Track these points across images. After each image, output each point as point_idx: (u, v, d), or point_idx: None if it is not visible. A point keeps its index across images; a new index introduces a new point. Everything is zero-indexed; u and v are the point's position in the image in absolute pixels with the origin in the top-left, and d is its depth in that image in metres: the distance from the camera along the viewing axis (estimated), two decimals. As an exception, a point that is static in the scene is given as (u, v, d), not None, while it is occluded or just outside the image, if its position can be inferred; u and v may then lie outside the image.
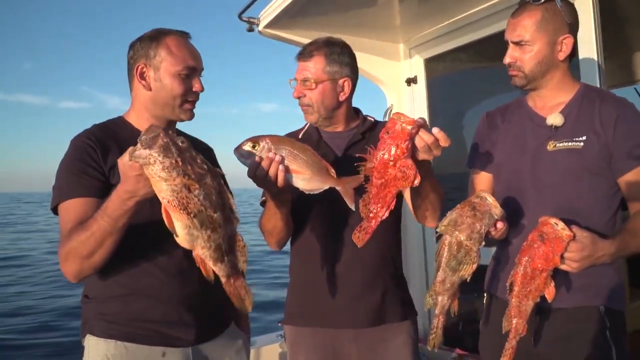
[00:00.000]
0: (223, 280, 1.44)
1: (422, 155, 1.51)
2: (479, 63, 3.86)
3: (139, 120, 1.89)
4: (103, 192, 1.67)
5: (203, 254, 1.36)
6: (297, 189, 1.73)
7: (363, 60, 3.55)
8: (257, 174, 1.65)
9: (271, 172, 1.64)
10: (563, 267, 1.61)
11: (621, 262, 1.83)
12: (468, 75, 3.92)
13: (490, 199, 1.60)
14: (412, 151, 1.49)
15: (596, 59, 2.51)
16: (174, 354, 1.79)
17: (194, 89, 1.86)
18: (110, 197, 1.51)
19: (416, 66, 3.76)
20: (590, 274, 1.72)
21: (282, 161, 1.65)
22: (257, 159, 1.65)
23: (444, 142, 1.49)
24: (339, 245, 2.03)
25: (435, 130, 1.49)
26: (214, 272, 1.42)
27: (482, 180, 2.06)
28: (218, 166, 2.14)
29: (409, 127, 1.44)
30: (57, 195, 1.74)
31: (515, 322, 1.67)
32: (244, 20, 3.24)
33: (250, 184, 2.07)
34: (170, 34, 1.84)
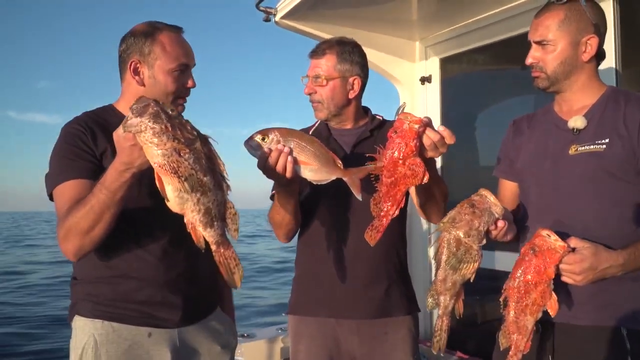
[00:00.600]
0: (213, 247, 1.45)
1: (429, 153, 1.56)
2: (495, 66, 3.83)
3: (126, 110, 1.90)
4: (96, 175, 1.69)
5: (193, 217, 1.38)
6: (305, 180, 1.78)
7: (378, 57, 3.58)
8: (267, 165, 1.70)
9: (280, 163, 1.69)
10: (565, 279, 1.58)
11: None
12: (483, 78, 3.89)
13: (491, 198, 1.59)
14: (420, 149, 1.53)
15: (614, 65, 2.49)
16: (160, 335, 1.82)
17: (187, 86, 1.89)
18: (108, 170, 1.54)
19: (431, 65, 3.74)
20: (613, 291, 1.67)
21: (290, 152, 1.70)
22: (266, 150, 1.70)
23: (450, 139, 1.55)
24: (345, 238, 2.08)
25: (440, 128, 1.55)
26: (205, 240, 1.44)
27: (508, 189, 2.02)
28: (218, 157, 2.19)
29: (416, 126, 1.50)
30: (51, 181, 1.76)
31: (516, 339, 1.62)
32: (262, 10, 3.23)
33: (255, 204, 2.14)
34: (164, 30, 1.86)
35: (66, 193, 1.71)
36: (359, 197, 1.77)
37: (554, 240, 1.54)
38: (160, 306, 1.82)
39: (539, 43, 1.81)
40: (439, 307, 1.64)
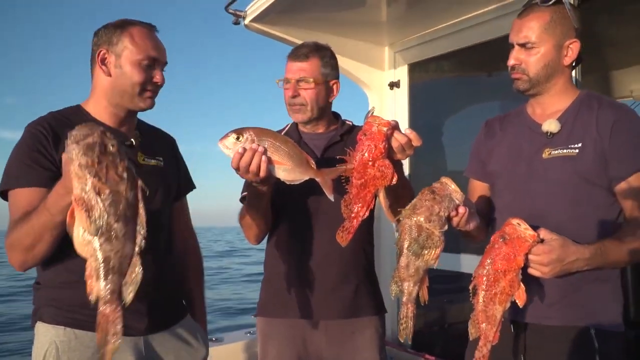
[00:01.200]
0: (99, 304, 1.28)
1: (397, 155, 1.60)
2: (462, 72, 3.90)
3: (97, 109, 1.88)
4: (53, 182, 1.64)
5: (90, 263, 1.25)
6: (277, 180, 1.79)
7: (347, 62, 3.59)
8: (241, 164, 1.71)
9: (254, 162, 1.70)
10: (532, 271, 1.59)
11: (617, 279, 1.76)
12: (451, 83, 3.96)
13: (452, 185, 1.60)
14: (388, 151, 1.57)
15: (574, 74, 2.54)
16: (125, 342, 1.74)
17: (154, 80, 1.86)
18: (51, 192, 1.50)
19: (400, 71, 3.78)
20: (582, 292, 1.70)
21: (264, 152, 1.71)
22: (240, 149, 1.71)
23: (416, 141, 1.60)
24: (315, 239, 2.09)
25: (407, 131, 1.60)
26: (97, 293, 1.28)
27: (479, 189, 2.03)
28: (180, 157, 2.15)
29: (385, 129, 1.54)
30: (7, 180, 1.73)
31: (485, 328, 1.60)
32: (231, 13, 3.22)
33: (235, 222, 2.15)
34: (136, 25, 1.85)
35: (20, 201, 1.69)
36: (331, 197, 1.79)
37: (524, 229, 1.55)
38: (125, 313, 1.78)
39: (522, 45, 1.79)
40: (403, 294, 1.62)
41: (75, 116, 1.85)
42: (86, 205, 1.21)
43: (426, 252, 1.57)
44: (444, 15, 3.24)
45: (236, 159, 1.71)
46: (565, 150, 1.76)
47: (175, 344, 1.92)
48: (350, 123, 2.30)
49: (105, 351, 1.29)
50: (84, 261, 1.70)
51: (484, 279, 1.59)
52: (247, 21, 3.23)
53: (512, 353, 1.78)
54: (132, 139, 1.91)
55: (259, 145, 1.71)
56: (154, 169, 1.94)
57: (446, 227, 1.59)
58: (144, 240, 1.29)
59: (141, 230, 1.29)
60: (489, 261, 1.59)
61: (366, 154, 1.55)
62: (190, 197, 2.22)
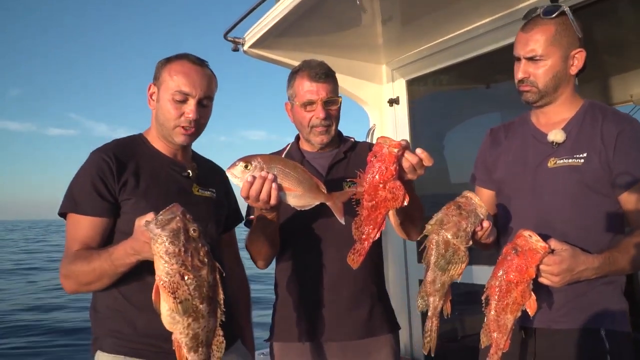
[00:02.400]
0: None
1: (408, 176, 1.59)
2: (459, 85, 3.94)
3: (156, 140, 1.97)
4: (111, 212, 1.80)
5: (180, 339, 1.39)
6: (287, 205, 1.78)
7: (346, 81, 3.63)
8: (251, 192, 1.69)
9: (264, 190, 1.69)
10: (543, 280, 1.61)
11: (621, 281, 1.80)
12: (449, 97, 3.99)
13: (476, 199, 1.61)
14: (399, 172, 1.56)
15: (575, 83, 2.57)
16: None
17: (184, 114, 1.88)
18: (119, 245, 1.60)
19: (398, 87, 3.82)
20: (589, 295, 1.72)
21: (274, 179, 1.70)
22: (249, 178, 1.70)
23: (428, 161, 1.57)
24: (327, 261, 2.07)
25: (418, 151, 1.57)
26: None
27: (484, 197, 2.04)
28: (231, 189, 2.20)
29: (396, 150, 1.53)
30: (68, 204, 1.82)
31: (496, 337, 1.64)
32: (230, 40, 3.28)
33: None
34: (182, 58, 1.90)
35: (79, 229, 1.79)
36: (342, 221, 1.79)
37: (535, 240, 1.57)
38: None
39: (530, 59, 1.81)
40: (429, 308, 1.64)
41: (137, 145, 1.95)
42: (172, 288, 1.33)
43: (452, 267, 1.59)
44: (439, 31, 3.28)
45: (246, 187, 1.70)
46: (570, 160, 1.78)
47: None
48: (353, 139, 2.29)
49: None
50: (140, 288, 1.78)
51: (497, 289, 1.62)
52: (245, 47, 3.29)
53: (522, 358, 1.80)
54: (189, 170, 1.97)
55: (268, 172, 1.70)
56: (207, 200, 2.00)
57: (471, 243, 1.61)
58: (224, 315, 1.43)
59: (222, 306, 1.43)
60: (501, 272, 1.61)
61: (377, 176, 1.54)
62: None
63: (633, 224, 1.75)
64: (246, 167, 1.71)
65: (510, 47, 1.91)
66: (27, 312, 12.52)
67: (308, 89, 2.08)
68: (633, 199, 1.73)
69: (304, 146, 2.23)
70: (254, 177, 1.69)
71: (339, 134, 2.26)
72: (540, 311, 1.73)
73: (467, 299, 3.43)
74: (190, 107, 1.87)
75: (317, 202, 1.79)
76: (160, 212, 1.36)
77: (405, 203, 1.56)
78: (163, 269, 1.33)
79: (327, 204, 1.80)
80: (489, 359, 1.65)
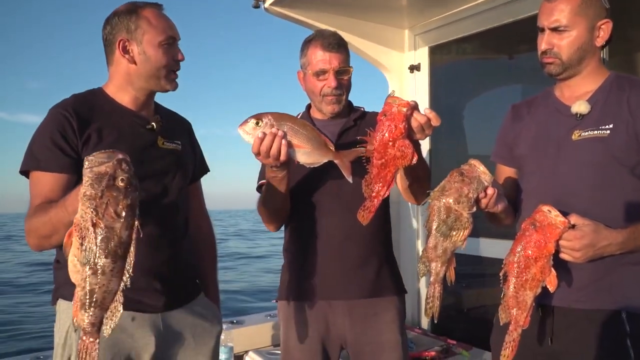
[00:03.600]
0: (81, 333, 1.35)
1: (416, 135, 1.61)
2: (483, 55, 3.86)
3: (120, 93, 1.91)
4: (74, 168, 1.73)
5: (76, 292, 1.31)
6: (297, 168, 1.82)
7: (367, 46, 3.60)
8: (261, 148, 1.73)
9: (274, 146, 1.72)
10: (564, 256, 1.58)
11: None
12: (471, 66, 3.92)
13: (480, 167, 1.60)
14: (408, 132, 1.58)
15: (601, 54, 2.50)
16: (143, 319, 1.82)
17: (176, 59, 1.89)
18: (71, 192, 1.54)
19: (420, 54, 3.76)
20: (614, 275, 1.68)
21: (284, 136, 1.73)
22: (260, 134, 1.73)
23: (436, 121, 1.60)
24: (335, 220, 2.09)
25: (427, 110, 1.60)
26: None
27: (506, 174, 2.02)
28: (195, 140, 2.19)
29: (404, 109, 1.55)
30: (30, 162, 1.78)
31: (515, 313, 1.62)
32: (251, -4, 3.22)
33: (245, 204, 2.10)
34: (146, 7, 1.87)
35: (41, 186, 1.74)
36: (349, 179, 1.82)
37: (554, 215, 1.55)
38: (144, 292, 1.82)
39: (554, 29, 1.76)
40: (431, 274, 1.64)
41: (98, 99, 1.89)
42: (80, 234, 1.26)
43: (454, 233, 1.58)
44: (466, -3, 3.20)
45: (257, 143, 1.74)
46: (596, 132, 1.72)
47: (191, 320, 1.96)
48: (363, 109, 2.31)
49: None
50: None
51: (515, 265, 1.60)
52: (267, 4, 3.24)
53: (539, 336, 1.78)
54: (153, 123, 1.94)
55: (278, 129, 1.74)
56: (172, 153, 1.98)
57: (474, 209, 1.59)
58: (129, 279, 1.33)
59: (130, 271, 1.32)
60: (519, 248, 1.59)
61: (386, 134, 1.56)
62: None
63: None
64: (257, 124, 1.74)
65: (535, 18, 1.85)
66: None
67: (321, 58, 2.11)
68: None
69: (315, 114, 2.26)
70: (265, 134, 1.73)
71: (349, 103, 2.29)
72: (562, 290, 1.70)
73: (473, 271, 3.43)
74: (178, 50, 1.90)
75: (326, 160, 1.82)
76: (99, 151, 1.29)
77: (414, 161, 1.58)
78: (79, 210, 1.27)
79: (335, 161, 1.83)
80: (508, 335, 1.63)
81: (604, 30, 1.76)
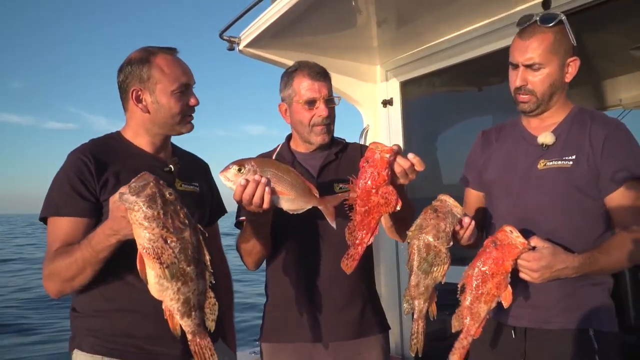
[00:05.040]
0: (189, 337, 1.44)
1: (400, 180, 1.61)
2: (452, 87, 3.97)
3: (137, 138, 1.92)
4: (93, 212, 1.75)
5: (171, 306, 1.37)
6: (280, 209, 1.77)
7: (341, 81, 3.65)
8: (244, 196, 1.67)
9: (257, 194, 1.67)
10: (523, 275, 1.65)
11: (609, 282, 1.84)
12: (442, 99, 4.02)
13: (450, 200, 1.65)
14: (391, 177, 1.58)
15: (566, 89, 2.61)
16: None
17: (190, 104, 1.90)
18: (97, 230, 1.57)
19: (392, 88, 3.84)
20: (578, 296, 1.75)
21: (267, 183, 1.69)
22: (243, 181, 1.68)
23: (419, 166, 1.60)
24: (319, 261, 2.07)
25: (410, 155, 1.59)
26: (181, 327, 1.43)
27: (474, 198, 2.08)
28: (213, 182, 2.19)
29: (387, 155, 1.54)
30: (48, 208, 1.79)
31: (468, 323, 1.68)
32: (225, 39, 3.28)
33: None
34: (159, 53, 1.87)
35: (60, 229, 1.75)
36: (333, 225, 1.79)
37: (515, 236, 1.62)
38: (160, 340, 1.78)
39: (528, 66, 1.81)
40: (414, 311, 1.68)
41: (116, 143, 1.91)
42: (156, 254, 1.31)
43: (435, 269, 1.63)
44: (433, 34, 3.31)
45: (239, 191, 1.67)
46: (560, 162, 1.81)
47: None
48: (344, 140, 2.28)
49: None
50: (121, 289, 1.78)
51: (473, 278, 1.67)
52: (241, 46, 3.29)
53: (512, 358, 1.83)
54: (171, 165, 1.95)
55: (261, 176, 1.68)
56: (191, 195, 1.97)
57: (452, 243, 1.64)
58: (212, 277, 1.42)
59: (209, 267, 1.42)
60: (479, 263, 1.66)
61: (369, 182, 1.55)
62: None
63: (617, 226, 1.78)
64: (239, 170, 1.68)
65: (502, 51, 1.92)
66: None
67: (310, 87, 2.08)
68: (618, 201, 1.76)
69: (296, 147, 2.22)
70: (247, 181, 1.67)
71: None
72: (531, 312, 1.79)
73: (456, 300, 3.45)
74: (192, 96, 1.90)
75: (310, 206, 1.78)
76: (132, 181, 1.34)
77: (398, 208, 1.57)
78: (144, 235, 1.31)
79: (319, 207, 1.79)
80: (458, 342, 1.71)
81: (573, 67, 1.84)
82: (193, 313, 1.40)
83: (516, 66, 1.86)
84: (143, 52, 1.88)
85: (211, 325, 1.44)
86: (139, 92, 1.85)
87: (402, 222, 1.98)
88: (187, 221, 1.37)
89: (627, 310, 3.54)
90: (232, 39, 3.28)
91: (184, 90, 1.88)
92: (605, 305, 1.80)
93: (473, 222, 1.70)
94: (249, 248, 2.03)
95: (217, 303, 1.44)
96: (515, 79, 1.85)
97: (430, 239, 1.62)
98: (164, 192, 1.34)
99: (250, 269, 2.16)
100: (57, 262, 1.67)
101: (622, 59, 4.12)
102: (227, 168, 1.71)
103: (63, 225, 1.75)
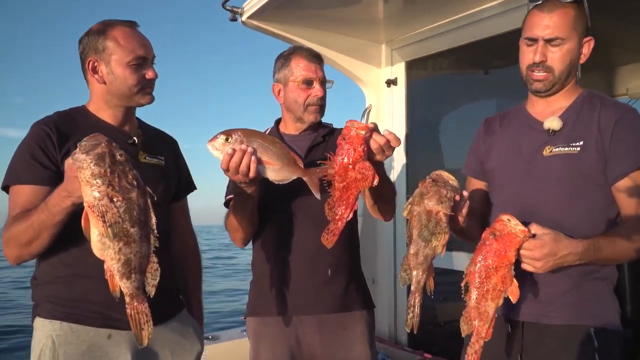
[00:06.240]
0: (127, 299, 1.44)
1: (377, 157, 1.63)
2: (458, 69, 3.90)
3: (100, 111, 1.95)
4: (54, 181, 1.74)
5: (112, 266, 1.37)
6: (265, 180, 1.81)
7: (345, 60, 3.60)
8: (230, 165, 1.72)
9: (243, 163, 1.71)
10: (525, 266, 1.58)
11: (614, 278, 1.76)
12: (448, 81, 3.96)
13: (445, 174, 1.64)
14: (368, 154, 1.60)
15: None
16: (120, 336, 1.80)
17: (147, 77, 1.91)
18: (53, 193, 1.58)
19: (397, 68, 3.77)
20: (581, 291, 1.69)
21: (254, 152, 1.73)
22: (230, 150, 1.72)
23: (395, 142, 1.63)
24: (303, 236, 2.11)
25: (386, 132, 1.63)
26: (120, 288, 1.42)
27: (476, 187, 2.02)
28: (181, 157, 2.21)
29: (363, 132, 1.58)
30: (9, 176, 1.81)
31: (477, 325, 1.60)
32: (228, 9, 3.22)
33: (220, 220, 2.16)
34: (117, 25, 1.89)
35: (20, 197, 1.77)
36: (317, 196, 1.82)
37: (514, 224, 1.55)
38: (120, 307, 1.74)
39: (549, 41, 1.73)
40: (412, 282, 1.62)
41: (80, 116, 1.92)
42: (101, 212, 1.31)
43: (434, 238, 1.58)
44: (441, 13, 3.23)
45: (226, 159, 1.72)
46: (566, 148, 1.73)
47: (171, 338, 1.94)
48: (331, 125, 2.34)
49: (142, 335, 1.46)
50: (79, 255, 1.76)
51: (476, 275, 1.58)
52: (244, 18, 3.22)
53: (509, 353, 1.78)
54: (135, 137, 1.96)
55: (248, 145, 1.73)
56: (154, 168, 1.99)
57: (452, 213, 1.60)
58: (157, 241, 1.41)
59: (155, 231, 1.42)
60: (480, 258, 1.58)
61: (346, 158, 1.58)
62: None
63: (625, 214, 1.71)
64: (227, 139, 1.74)
65: (512, 34, 1.86)
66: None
67: (307, 67, 2.17)
68: (626, 188, 1.68)
69: (285, 129, 2.29)
70: (234, 150, 1.72)
71: None
72: (531, 305, 1.72)
73: (448, 285, 3.44)
74: (149, 68, 1.91)
75: (294, 177, 1.82)
76: (83, 140, 1.34)
77: (375, 183, 1.60)
78: (90, 193, 1.31)
79: (304, 178, 1.83)
80: (470, 347, 1.62)
81: (587, 47, 1.78)
82: (133, 275, 1.39)
83: (534, 41, 1.75)
84: (101, 25, 1.90)
85: (151, 290, 1.44)
86: (95, 63, 1.87)
87: (384, 200, 2.04)
88: (135, 182, 1.37)
89: (624, 304, 3.51)
90: (235, 10, 3.22)
91: (141, 62, 1.89)
92: (608, 302, 1.73)
93: (467, 194, 1.67)
94: (236, 224, 2.08)
95: (159, 269, 1.43)
96: (533, 55, 1.75)
97: (432, 204, 1.57)
98: (114, 153, 1.35)
99: (238, 246, 2.20)
100: (14, 226, 1.68)
101: (630, 47, 4.05)
102: (214, 138, 1.76)
103: (23, 193, 1.76)
